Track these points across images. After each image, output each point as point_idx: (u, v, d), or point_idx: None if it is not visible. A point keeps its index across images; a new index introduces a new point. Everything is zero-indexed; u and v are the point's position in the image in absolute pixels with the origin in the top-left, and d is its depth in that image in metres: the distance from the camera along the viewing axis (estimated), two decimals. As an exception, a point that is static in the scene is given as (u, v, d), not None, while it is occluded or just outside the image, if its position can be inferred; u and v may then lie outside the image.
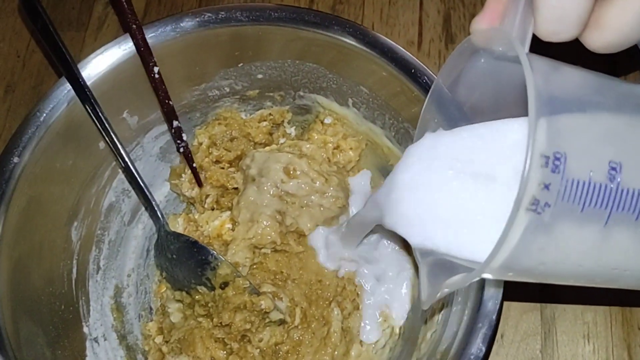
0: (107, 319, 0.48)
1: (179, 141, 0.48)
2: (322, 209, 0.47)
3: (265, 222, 0.46)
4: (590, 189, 0.27)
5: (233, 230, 0.49)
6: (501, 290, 0.37)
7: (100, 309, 0.48)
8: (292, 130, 0.53)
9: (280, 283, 0.47)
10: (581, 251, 0.28)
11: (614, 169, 0.27)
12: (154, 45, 0.45)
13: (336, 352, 0.46)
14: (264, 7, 0.45)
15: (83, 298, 0.47)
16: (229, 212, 0.50)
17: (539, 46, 0.31)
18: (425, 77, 0.42)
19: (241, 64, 0.48)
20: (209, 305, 0.45)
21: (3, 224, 0.40)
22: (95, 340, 0.46)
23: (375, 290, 0.47)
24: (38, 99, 0.43)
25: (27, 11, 0.43)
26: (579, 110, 0.28)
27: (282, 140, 0.53)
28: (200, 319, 0.46)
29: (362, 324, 0.47)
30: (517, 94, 0.30)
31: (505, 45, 0.31)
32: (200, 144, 0.52)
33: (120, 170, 0.49)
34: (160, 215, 0.47)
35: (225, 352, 0.45)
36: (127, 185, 0.50)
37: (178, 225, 0.52)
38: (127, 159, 0.44)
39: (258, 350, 0.44)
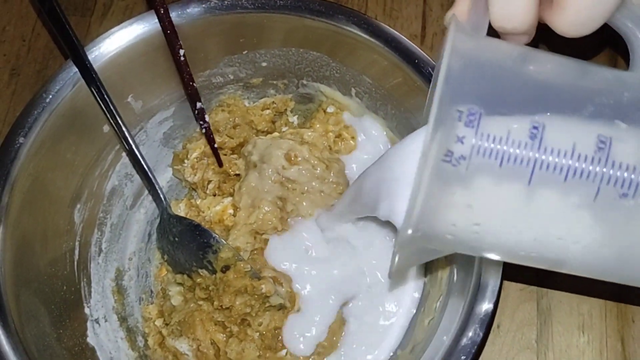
0: (108, 301, 0.48)
1: (201, 122, 0.49)
2: (322, 195, 0.48)
3: (266, 208, 0.47)
4: (508, 144, 0.27)
5: (234, 215, 0.49)
6: (499, 277, 0.38)
7: (102, 291, 0.48)
8: (294, 119, 0.54)
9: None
10: (507, 209, 0.29)
11: (535, 127, 0.28)
12: (158, 32, 0.45)
13: (334, 338, 0.46)
14: (269, -5, 0.45)
15: (85, 280, 0.47)
16: (230, 198, 0.51)
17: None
18: (429, 68, 0.42)
19: (245, 52, 0.48)
20: (210, 288, 0.45)
21: (8, 203, 0.41)
22: (96, 321, 0.46)
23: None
24: (44, 81, 0.43)
25: (35, -7, 0.43)
26: (501, 74, 0.29)
27: (284, 129, 0.53)
28: (200, 302, 0.46)
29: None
30: None
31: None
32: (203, 130, 0.52)
33: (123, 155, 0.49)
34: (163, 198, 0.48)
35: (224, 335, 0.46)
36: (130, 169, 0.51)
37: (180, 210, 0.52)
38: (131, 142, 0.45)
39: (258, 333, 0.45)
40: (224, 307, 0.44)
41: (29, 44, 0.59)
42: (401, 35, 0.44)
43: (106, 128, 0.47)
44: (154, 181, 0.47)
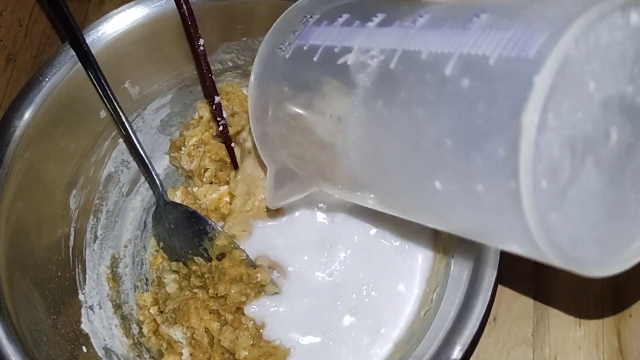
0: (103, 288, 0.48)
1: (219, 119, 0.48)
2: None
3: (261, 195, 0.47)
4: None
5: (231, 203, 0.49)
6: (496, 270, 0.38)
7: (97, 278, 0.48)
8: (293, 108, 0.53)
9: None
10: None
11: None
12: (157, 17, 0.45)
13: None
14: (269, -19, 0.45)
15: (79, 266, 0.47)
16: (227, 186, 0.50)
17: None
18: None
19: (244, 38, 0.48)
20: (205, 276, 0.45)
21: (2, 187, 0.40)
22: (91, 308, 0.46)
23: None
24: (41, 64, 0.43)
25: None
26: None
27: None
28: (195, 290, 0.46)
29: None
30: None
31: None
32: (201, 117, 0.52)
33: (120, 141, 0.49)
34: (159, 185, 0.47)
35: (219, 323, 0.45)
36: (126, 156, 0.50)
37: (176, 198, 0.52)
38: (128, 128, 0.44)
39: (252, 322, 0.45)
40: (219, 295, 0.44)
41: (26, 30, 0.59)
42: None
43: (103, 114, 0.46)
44: (150, 167, 0.46)
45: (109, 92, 0.43)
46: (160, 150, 0.53)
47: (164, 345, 0.47)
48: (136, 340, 0.47)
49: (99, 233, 0.49)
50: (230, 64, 0.50)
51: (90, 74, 0.43)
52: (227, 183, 0.50)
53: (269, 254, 0.47)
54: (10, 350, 0.37)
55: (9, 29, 0.59)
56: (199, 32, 0.44)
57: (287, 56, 0.35)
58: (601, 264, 0.26)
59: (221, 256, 0.45)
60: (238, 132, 0.51)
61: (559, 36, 0.22)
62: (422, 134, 0.27)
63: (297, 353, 0.45)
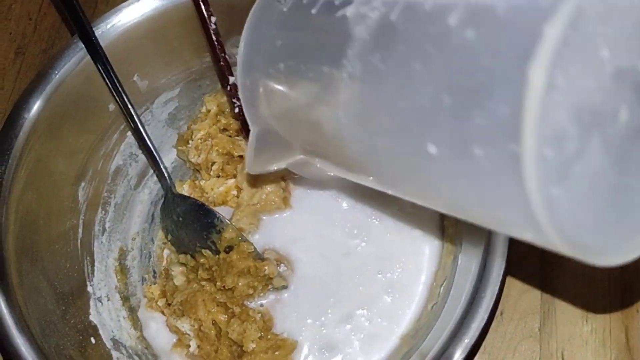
0: (111, 280, 0.48)
1: (234, 100, 0.46)
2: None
3: (268, 188, 0.47)
4: None
5: (238, 197, 0.49)
6: (504, 264, 0.38)
7: (105, 270, 0.48)
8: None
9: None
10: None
11: None
12: (166, 10, 0.45)
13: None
14: (278, -26, 0.45)
15: (88, 258, 0.47)
16: (234, 180, 0.51)
17: None
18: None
19: (253, 32, 0.48)
20: (213, 269, 0.45)
21: (12, 178, 0.40)
22: (99, 299, 0.46)
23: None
24: (50, 57, 0.43)
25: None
26: None
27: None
28: (203, 283, 0.46)
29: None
30: None
31: None
32: (209, 111, 0.52)
33: (128, 134, 0.49)
34: (167, 177, 0.47)
35: (226, 316, 0.45)
36: (134, 149, 0.50)
37: (183, 191, 0.52)
38: (137, 120, 0.44)
39: (260, 315, 0.45)
40: (226, 287, 0.44)
41: (35, 23, 0.59)
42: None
43: (112, 107, 0.47)
44: (158, 160, 0.47)
45: (118, 86, 0.43)
46: (168, 143, 0.53)
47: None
48: (144, 332, 0.47)
49: (107, 225, 0.49)
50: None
51: (99, 67, 0.43)
52: (235, 176, 0.51)
53: (277, 247, 0.47)
54: (20, 340, 0.38)
55: (19, 22, 0.59)
56: (211, 9, 0.42)
57: (284, 9, 0.33)
58: (604, 252, 0.24)
59: (229, 249, 0.45)
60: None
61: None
62: (419, 91, 0.25)
63: (304, 345, 0.45)
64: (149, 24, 0.45)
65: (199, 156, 0.51)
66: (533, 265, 0.50)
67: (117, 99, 0.44)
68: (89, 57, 0.43)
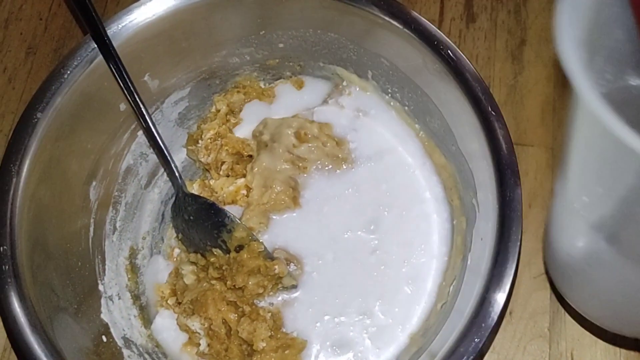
0: (122, 279, 0.49)
1: None
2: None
3: (278, 188, 0.47)
4: None
5: (247, 196, 0.49)
6: (515, 263, 0.38)
7: (116, 269, 0.48)
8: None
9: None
10: None
11: None
12: (177, 10, 0.45)
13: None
14: (288, -25, 0.45)
15: (99, 257, 0.47)
16: (243, 179, 0.51)
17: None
18: (449, 51, 0.42)
19: (262, 32, 0.48)
20: (223, 268, 0.46)
21: (25, 177, 0.41)
22: (110, 298, 0.47)
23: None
24: (61, 58, 0.43)
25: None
26: None
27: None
28: (213, 282, 0.46)
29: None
30: None
31: None
32: (218, 110, 0.52)
33: (139, 134, 0.49)
34: (178, 177, 0.48)
35: (236, 315, 0.46)
36: (145, 149, 0.51)
37: (193, 190, 0.52)
38: (148, 120, 0.45)
39: (270, 314, 0.45)
40: (237, 286, 0.45)
41: (46, 23, 0.59)
42: (421, 17, 0.43)
43: (123, 106, 0.47)
44: (170, 159, 0.47)
45: (130, 85, 0.43)
46: (178, 143, 0.53)
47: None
48: (154, 331, 0.48)
49: (118, 225, 0.50)
50: (248, 58, 0.50)
51: (111, 66, 0.43)
52: (244, 176, 0.51)
53: (286, 246, 0.47)
54: (33, 338, 0.38)
55: (29, 21, 0.59)
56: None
57: None
58: None
59: (239, 248, 0.45)
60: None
61: None
62: None
63: (314, 344, 0.45)
64: (159, 24, 0.45)
65: (209, 156, 0.51)
66: (543, 265, 0.50)
67: (129, 98, 0.44)
68: (100, 57, 0.43)
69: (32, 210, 0.41)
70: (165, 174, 0.52)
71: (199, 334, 0.47)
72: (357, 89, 0.51)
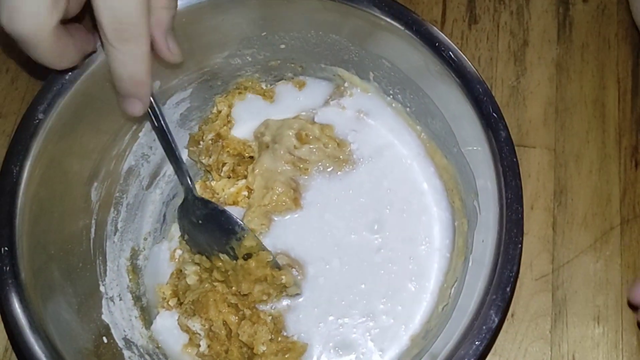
0: (123, 280, 0.49)
1: None
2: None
3: (279, 189, 0.47)
4: None
5: (249, 197, 0.49)
6: (515, 265, 0.38)
7: (117, 270, 0.48)
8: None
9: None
10: None
11: None
12: (179, 12, 0.45)
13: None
14: (290, -24, 0.45)
15: (100, 258, 0.47)
16: (244, 180, 0.51)
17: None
18: (450, 52, 0.42)
19: (264, 33, 0.48)
20: (229, 272, 0.45)
21: (26, 178, 0.41)
22: (111, 299, 0.47)
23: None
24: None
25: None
26: None
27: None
28: (215, 283, 0.46)
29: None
30: None
31: None
32: (219, 112, 0.52)
33: (140, 135, 0.49)
34: (189, 179, 0.47)
35: (237, 317, 0.46)
36: (146, 150, 0.51)
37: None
38: (161, 120, 0.44)
39: (270, 317, 0.45)
40: (242, 293, 0.44)
41: None
42: (422, 19, 0.43)
43: (124, 107, 0.47)
44: (180, 161, 0.46)
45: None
46: (180, 144, 0.53)
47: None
48: (155, 332, 0.48)
49: (119, 225, 0.50)
50: (250, 59, 0.50)
51: None
52: (245, 177, 0.51)
53: (288, 250, 0.47)
54: (33, 339, 0.38)
55: None
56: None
57: None
58: None
59: (247, 256, 0.45)
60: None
61: None
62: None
63: (316, 346, 0.45)
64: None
65: (210, 157, 0.51)
66: (544, 267, 0.50)
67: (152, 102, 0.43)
68: (102, 58, 0.43)
69: (33, 210, 0.41)
70: (166, 174, 0.53)
71: (199, 334, 0.47)
72: (359, 90, 0.50)
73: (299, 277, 0.46)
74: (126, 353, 0.45)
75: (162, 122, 0.44)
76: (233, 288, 0.45)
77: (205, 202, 0.47)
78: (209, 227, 0.46)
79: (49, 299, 0.41)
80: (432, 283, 0.46)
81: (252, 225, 0.47)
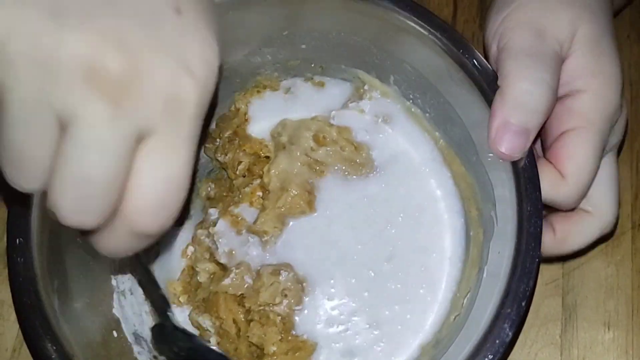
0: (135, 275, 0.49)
1: None
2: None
3: (294, 191, 0.47)
4: None
5: (264, 198, 0.49)
6: (532, 279, 0.37)
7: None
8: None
9: None
10: None
11: None
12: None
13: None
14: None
15: (113, 251, 0.47)
16: (260, 180, 0.50)
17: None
18: (474, 60, 0.41)
19: (286, 32, 0.48)
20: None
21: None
22: (122, 293, 0.47)
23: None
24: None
25: None
26: None
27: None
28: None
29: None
30: None
31: None
32: (238, 109, 0.52)
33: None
34: (167, 305, 0.45)
35: (246, 317, 0.46)
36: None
37: (210, 188, 0.52)
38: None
39: (280, 317, 0.45)
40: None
41: None
42: (447, 23, 0.42)
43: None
44: (157, 284, 0.45)
45: None
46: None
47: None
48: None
49: (133, 219, 0.49)
50: (270, 58, 0.50)
51: None
52: (261, 177, 0.50)
53: (296, 260, 0.46)
54: (42, 330, 0.38)
55: None
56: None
57: None
58: None
59: None
60: (274, 126, 0.51)
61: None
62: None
63: (324, 347, 0.45)
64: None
65: (226, 155, 0.51)
66: (555, 271, 0.49)
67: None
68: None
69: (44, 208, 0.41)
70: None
71: (209, 331, 0.47)
72: (378, 93, 0.50)
73: (305, 287, 0.46)
74: (135, 348, 0.45)
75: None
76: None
77: (190, 336, 0.44)
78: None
79: (61, 291, 0.41)
80: (443, 292, 0.46)
81: (265, 228, 0.47)
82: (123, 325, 0.45)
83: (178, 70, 0.27)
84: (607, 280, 0.49)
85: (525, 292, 0.37)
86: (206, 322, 0.47)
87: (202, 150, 0.53)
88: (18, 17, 0.25)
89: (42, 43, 0.25)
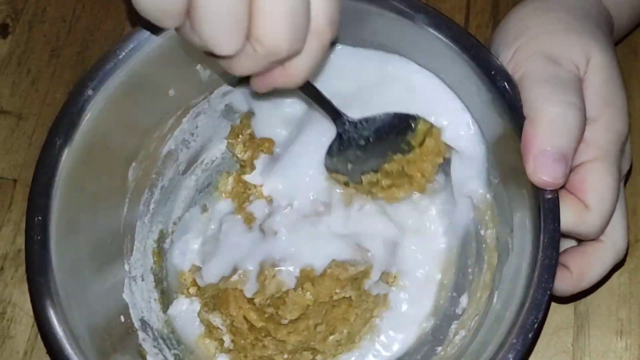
0: (148, 261, 0.49)
1: None
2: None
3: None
4: None
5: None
6: (543, 311, 0.36)
7: (143, 250, 0.49)
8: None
9: None
10: None
11: None
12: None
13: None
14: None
15: (129, 236, 0.48)
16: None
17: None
18: (505, 83, 0.41)
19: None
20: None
21: (67, 153, 0.41)
22: (134, 279, 0.47)
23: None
24: (120, 38, 0.43)
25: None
26: None
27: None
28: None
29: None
30: None
31: None
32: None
33: (183, 120, 0.49)
34: (338, 111, 0.44)
35: (257, 315, 0.46)
36: (187, 136, 0.51)
37: (228, 184, 0.52)
38: None
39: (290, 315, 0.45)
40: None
41: (70, 26, 0.59)
42: (480, 43, 0.42)
43: (172, 92, 0.47)
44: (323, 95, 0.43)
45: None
46: (220, 134, 0.53)
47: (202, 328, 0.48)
48: (172, 318, 0.48)
49: (151, 207, 0.50)
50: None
51: None
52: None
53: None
54: (52, 310, 0.39)
55: (52, 24, 0.59)
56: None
57: None
58: None
59: (422, 142, 0.44)
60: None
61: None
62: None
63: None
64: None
65: (246, 152, 0.51)
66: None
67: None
68: (155, 42, 0.43)
69: (70, 184, 0.42)
70: (204, 162, 0.53)
71: (221, 329, 0.47)
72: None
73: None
74: (141, 334, 0.45)
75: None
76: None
77: (371, 119, 0.44)
78: (383, 137, 0.45)
79: (74, 271, 0.42)
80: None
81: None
82: (131, 311, 0.46)
83: None
84: (619, 288, 0.48)
85: (533, 324, 0.36)
86: (217, 319, 0.47)
87: (225, 145, 0.54)
88: None
89: None
